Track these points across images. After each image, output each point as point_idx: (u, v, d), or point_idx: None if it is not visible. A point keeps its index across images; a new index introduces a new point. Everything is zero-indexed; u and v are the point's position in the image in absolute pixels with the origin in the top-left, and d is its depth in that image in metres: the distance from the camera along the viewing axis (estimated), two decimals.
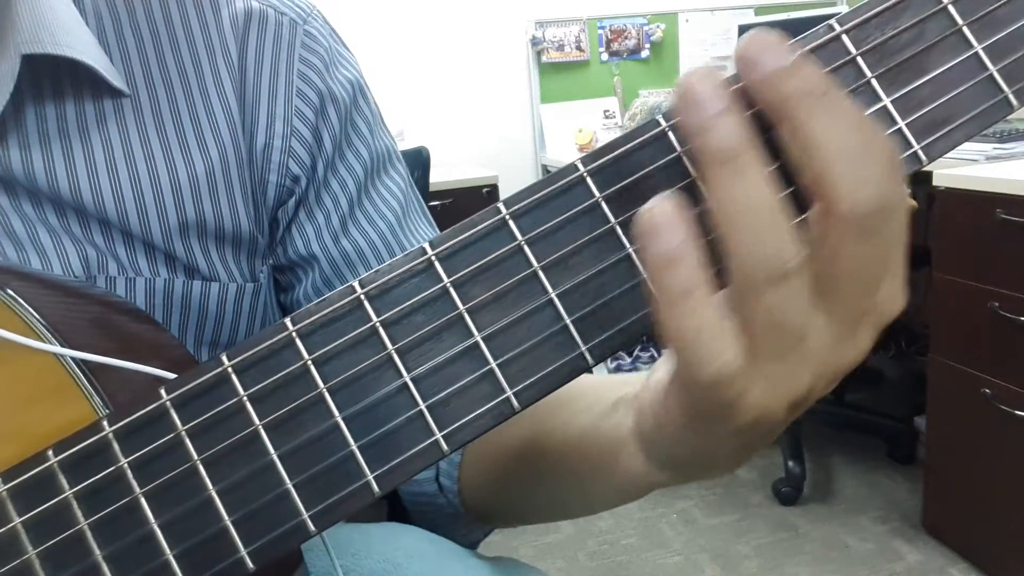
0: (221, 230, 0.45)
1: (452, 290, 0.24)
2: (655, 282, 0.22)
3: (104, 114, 0.43)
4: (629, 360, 2.77)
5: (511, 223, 0.25)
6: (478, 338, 0.24)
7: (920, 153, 0.24)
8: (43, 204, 0.41)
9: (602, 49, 3.14)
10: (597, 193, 0.25)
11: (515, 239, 0.25)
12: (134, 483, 0.25)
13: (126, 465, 0.25)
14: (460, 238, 0.25)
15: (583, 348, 0.24)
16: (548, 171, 3.13)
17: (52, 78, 0.42)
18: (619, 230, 0.24)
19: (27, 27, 0.39)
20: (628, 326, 0.24)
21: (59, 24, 0.40)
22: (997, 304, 1.44)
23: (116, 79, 0.43)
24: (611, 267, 0.24)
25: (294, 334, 0.25)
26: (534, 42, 3.06)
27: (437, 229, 0.52)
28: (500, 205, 0.25)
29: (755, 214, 0.21)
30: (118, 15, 0.44)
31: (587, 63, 3.14)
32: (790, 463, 1.98)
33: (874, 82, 0.24)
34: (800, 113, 0.21)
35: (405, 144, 2.83)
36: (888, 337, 2.54)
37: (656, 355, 2.81)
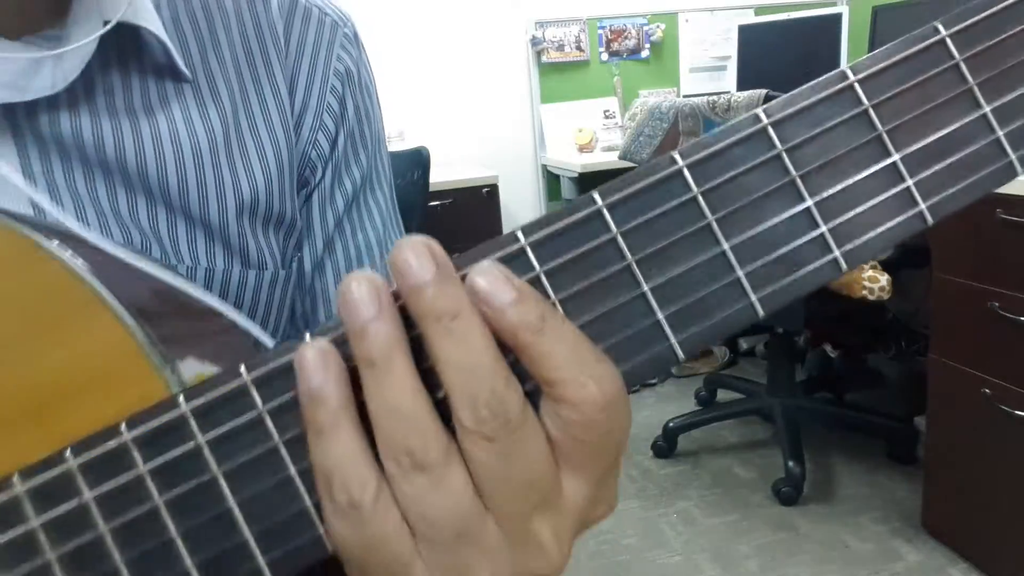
0: (270, 210, 0.46)
1: (544, 279, 0.25)
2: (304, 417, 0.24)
3: (167, 96, 0.43)
4: None
5: (605, 214, 0.25)
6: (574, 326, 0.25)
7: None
8: (95, 178, 0.41)
9: (602, 49, 3.14)
10: (695, 188, 0.25)
11: (610, 230, 0.25)
12: (211, 461, 0.24)
13: (204, 442, 0.24)
14: (553, 228, 0.25)
15: (673, 341, 0.25)
16: (548, 171, 3.13)
17: (121, 52, 0.42)
18: (715, 225, 0.25)
19: None
20: (720, 321, 0.25)
21: (139, 1, 0.41)
22: (997, 304, 1.44)
23: (182, 63, 0.43)
24: (706, 262, 0.25)
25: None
26: (534, 42, 3.06)
27: None
28: (595, 195, 0.25)
29: (398, 413, 0.23)
30: (176, 2, 0.45)
31: (587, 63, 3.14)
32: (790, 463, 1.98)
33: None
34: (426, 330, 0.23)
35: (405, 144, 2.83)
36: (888, 337, 2.54)
37: None
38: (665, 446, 2.26)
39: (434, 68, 2.96)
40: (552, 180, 3.16)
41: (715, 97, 1.82)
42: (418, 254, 0.23)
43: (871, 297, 1.88)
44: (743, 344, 2.95)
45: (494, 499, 0.24)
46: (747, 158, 0.25)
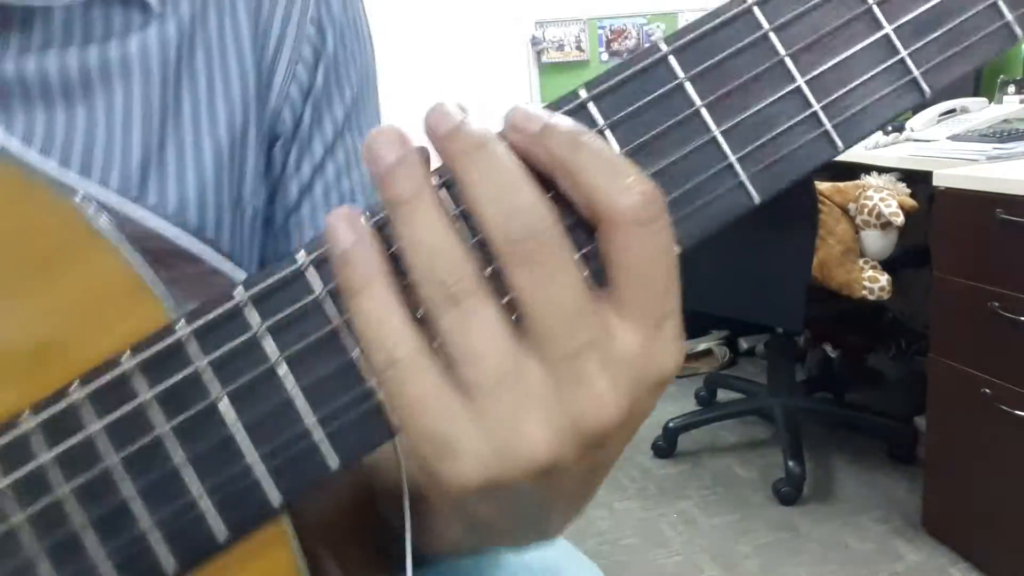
0: (232, 157, 0.44)
1: (609, 132, 0.25)
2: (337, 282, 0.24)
3: (128, 30, 0.40)
4: None
5: (672, 59, 0.25)
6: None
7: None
8: (55, 115, 0.39)
9: (602, 49, 3.14)
10: (766, 24, 0.25)
11: (676, 76, 0.24)
12: (214, 384, 0.24)
13: (206, 364, 0.24)
14: (616, 79, 0.25)
15: (746, 181, 0.24)
16: None
17: None
18: (789, 62, 0.24)
19: None
20: (795, 160, 0.24)
21: None
22: (997, 304, 1.44)
23: None
24: (780, 100, 0.24)
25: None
26: (534, 42, 3.06)
27: None
28: (661, 43, 0.25)
29: (426, 245, 0.23)
30: None
31: (587, 63, 3.14)
32: (790, 463, 1.98)
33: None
34: (454, 167, 0.24)
35: None
36: (888, 337, 2.54)
37: None
38: (665, 446, 2.26)
39: (434, 68, 2.96)
40: None
41: None
42: (385, 141, 0.23)
43: (871, 297, 1.87)
44: (743, 344, 2.95)
45: (536, 332, 0.23)
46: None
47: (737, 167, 0.24)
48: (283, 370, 0.24)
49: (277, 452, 0.24)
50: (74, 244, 0.26)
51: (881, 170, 1.97)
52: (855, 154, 1.88)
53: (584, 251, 0.24)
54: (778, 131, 0.24)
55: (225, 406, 0.24)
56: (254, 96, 0.45)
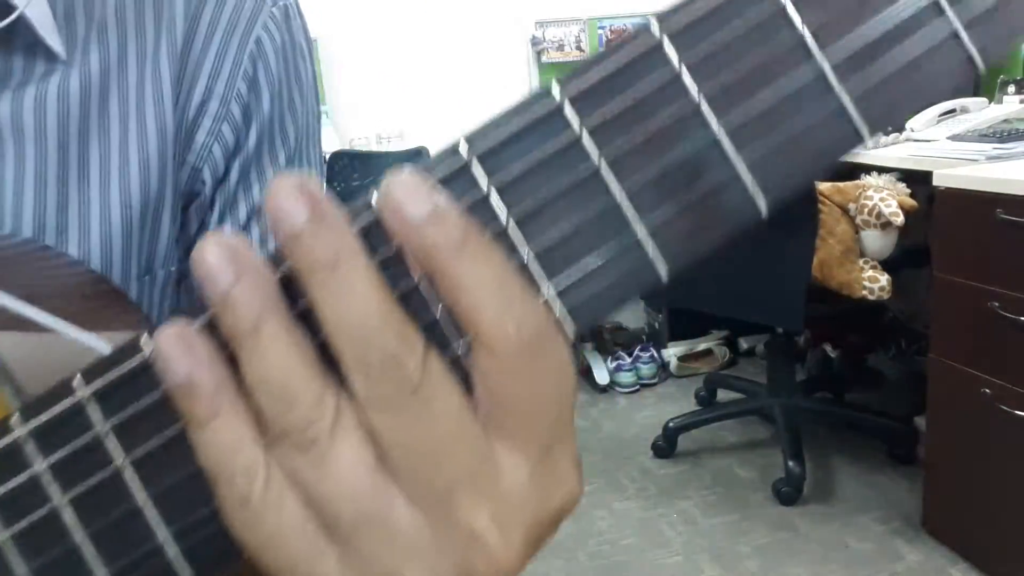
0: (146, 202, 0.41)
1: (495, 194, 0.21)
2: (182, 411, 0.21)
3: (26, 82, 0.37)
4: (629, 360, 2.77)
5: (568, 108, 0.21)
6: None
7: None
8: None
9: (602, 49, 3.14)
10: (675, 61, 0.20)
11: (573, 130, 0.20)
12: (54, 488, 0.22)
13: (45, 467, 0.21)
14: (503, 132, 0.21)
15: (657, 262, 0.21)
16: None
17: None
18: (705, 106, 0.20)
19: None
20: (722, 222, 0.21)
21: None
22: (997, 304, 1.44)
23: (53, 39, 0.37)
24: (699, 150, 0.21)
25: None
26: (534, 42, 3.06)
27: None
28: (554, 88, 0.21)
29: (270, 385, 0.20)
30: None
31: None
32: (790, 463, 1.98)
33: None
34: (305, 285, 0.20)
35: (405, 144, 2.83)
36: (888, 337, 2.54)
37: (656, 355, 2.81)
38: (665, 446, 2.26)
39: (434, 68, 2.95)
40: None
41: None
42: (288, 195, 0.19)
43: (871, 297, 1.88)
44: (743, 344, 2.95)
45: (402, 473, 0.20)
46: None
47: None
48: (129, 474, 0.21)
49: (128, 569, 0.22)
50: None
51: (881, 170, 1.97)
52: (855, 154, 1.88)
53: (455, 353, 0.20)
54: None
55: (69, 514, 0.22)
56: (171, 154, 0.41)
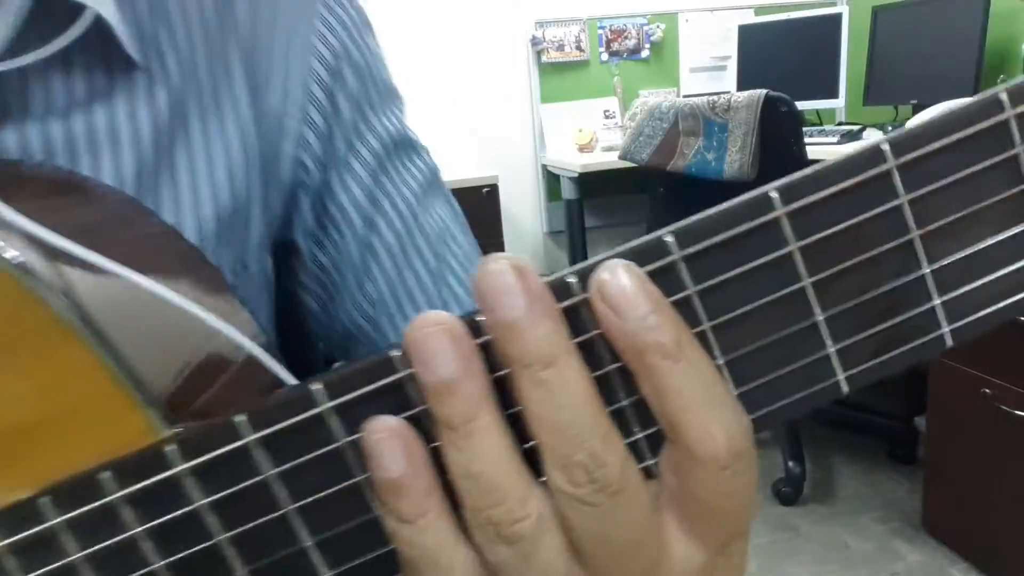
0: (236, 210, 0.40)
1: (696, 300, 0.21)
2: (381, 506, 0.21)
3: (113, 91, 0.36)
4: None
5: (785, 222, 0.20)
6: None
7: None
8: None
9: (602, 49, 3.14)
10: (901, 192, 0.20)
11: (785, 243, 0.20)
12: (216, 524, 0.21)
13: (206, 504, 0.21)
14: (714, 238, 0.20)
15: (841, 377, 0.21)
16: (548, 171, 3.13)
17: (58, 29, 0.33)
18: (919, 243, 0.21)
19: None
20: (902, 354, 0.21)
21: None
22: None
23: (131, 46, 0.35)
24: (905, 285, 0.21)
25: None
26: (534, 42, 3.06)
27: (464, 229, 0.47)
28: (773, 193, 0.20)
29: (479, 482, 0.20)
30: None
31: (587, 63, 3.14)
32: (790, 463, 1.98)
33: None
34: (514, 377, 0.19)
35: None
36: None
37: None
38: None
39: (434, 68, 2.95)
40: (552, 180, 3.16)
41: (715, 97, 1.82)
42: (504, 277, 0.19)
43: None
44: None
45: (592, 564, 0.20)
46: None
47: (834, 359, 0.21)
48: (294, 517, 0.21)
49: None
50: (45, 334, 0.23)
51: None
52: None
53: (634, 440, 0.21)
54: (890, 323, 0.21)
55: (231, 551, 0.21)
56: (258, 148, 0.40)
